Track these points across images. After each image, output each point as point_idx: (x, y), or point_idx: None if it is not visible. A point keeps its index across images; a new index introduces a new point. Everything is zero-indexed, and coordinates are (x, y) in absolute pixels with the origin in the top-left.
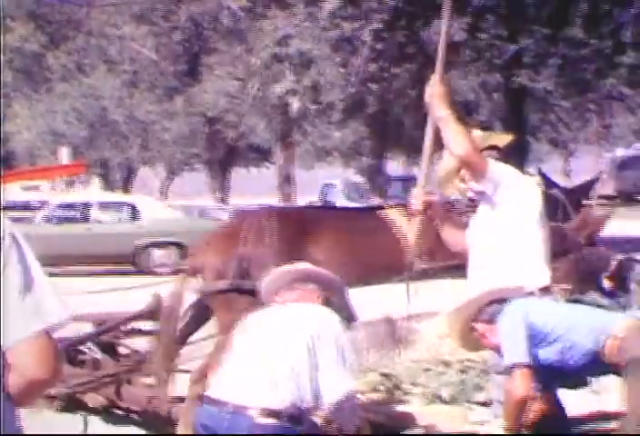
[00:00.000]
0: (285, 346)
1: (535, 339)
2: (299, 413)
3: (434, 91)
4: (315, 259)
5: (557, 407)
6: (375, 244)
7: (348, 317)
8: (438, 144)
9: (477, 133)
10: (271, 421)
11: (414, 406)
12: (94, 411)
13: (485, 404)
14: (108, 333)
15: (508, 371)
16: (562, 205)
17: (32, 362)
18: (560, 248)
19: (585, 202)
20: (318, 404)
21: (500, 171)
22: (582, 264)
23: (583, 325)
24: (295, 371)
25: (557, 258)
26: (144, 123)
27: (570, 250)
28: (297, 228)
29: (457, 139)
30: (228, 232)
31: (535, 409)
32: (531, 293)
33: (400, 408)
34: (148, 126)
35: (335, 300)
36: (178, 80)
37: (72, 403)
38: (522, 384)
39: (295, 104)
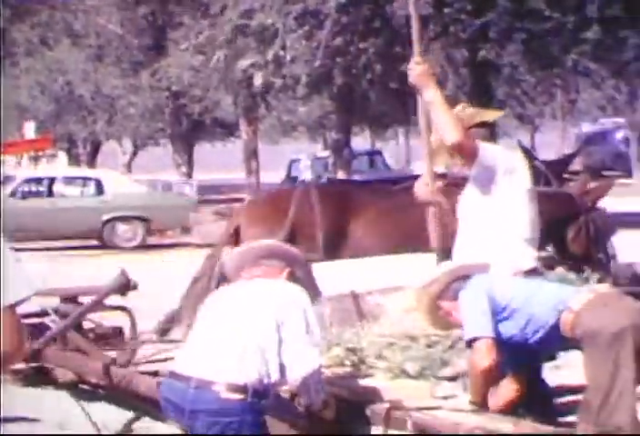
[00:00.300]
0: (251, 321)
1: (496, 313)
2: (264, 388)
3: (416, 71)
4: (355, 233)
5: (535, 389)
6: (409, 217)
7: (312, 293)
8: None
9: (468, 109)
10: (236, 396)
11: (379, 380)
12: (63, 386)
13: (452, 379)
14: (83, 316)
15: (470, 344)
16: (544, 177)
17: None
18: (570, 211)
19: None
20: (284, 379)
21: (491, 155)
22: (592, 227)
23: (541, 298)
24: (262, 346)
25: (569, 221)
26: (109, 97)
27: (580, 213)
28: (339, 204)
29: (448, 126)
30: (275, 204)
31: (507, 389)
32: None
33: (365, 382)
34: (114, 101)
35: (299, 275)
36: (143, 54)
37: (41, 378)
38: (485, 356)
39: (258, 79)
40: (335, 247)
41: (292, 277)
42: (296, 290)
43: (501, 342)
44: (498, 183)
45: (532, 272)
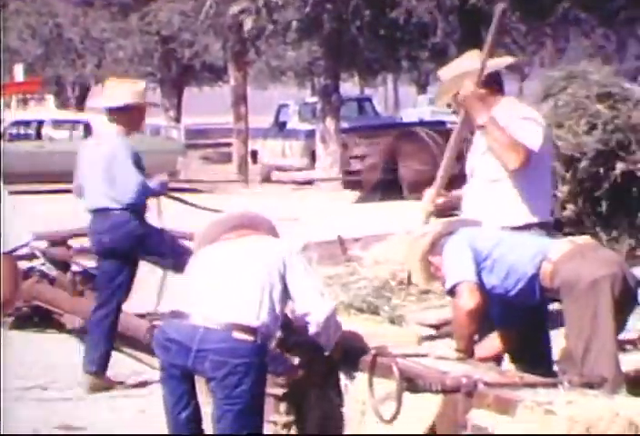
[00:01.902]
0: (252, 267)
1: (477, 263)
2: (271, 332)
3: (471, 93)
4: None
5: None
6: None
7: None
8: None
9: (492, 61)
10: (247, 337)
11: (365, 327)
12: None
13: (436, 327)
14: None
15: (453, 290)
16: None
17: None
18: None
19: None
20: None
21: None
22: None
23: (521, 249)
24: (267, 290)
25: None
26: (98, 41)
27: None
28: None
29: (508, 152)
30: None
31: (494, 342)
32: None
33: (350, 328)
34: (103, 44)
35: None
36: None
37: (49, 324)
38: (468, 298)
39: (248, 23)
40: None
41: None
42: (290, 242)
43: (485, 293)
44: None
45: (526, 229)
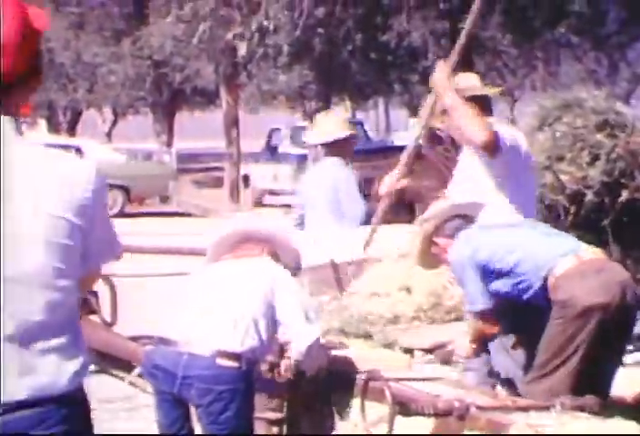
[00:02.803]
0: (242, 293)
1: (486, 274)
2: (256, 358)
3: (439, 75)
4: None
5: None
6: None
7: (294, 266)
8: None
9: (470, 80)
10: (231, 363)
11: (358, 351)
12: None
13: (428, 351)
14: None
15: (472, 314)
16: None
17: None
18: None
19: None
20: (270, 349)
21: (505, 143)
22: None
23: (529, 262)
24: (254, 317)
25: None
26: (90, 65)
27: None
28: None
29: (475, 128)
30: None
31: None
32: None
33: (344, 352)
34: (95, 69)
35: (280, 251)
36: (126, 22)
37: None
38: (488, 325)
39: (242, 48)
40: None
41: (272, 255)
42: (280, 268)
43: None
44: (503, 160)
45: None
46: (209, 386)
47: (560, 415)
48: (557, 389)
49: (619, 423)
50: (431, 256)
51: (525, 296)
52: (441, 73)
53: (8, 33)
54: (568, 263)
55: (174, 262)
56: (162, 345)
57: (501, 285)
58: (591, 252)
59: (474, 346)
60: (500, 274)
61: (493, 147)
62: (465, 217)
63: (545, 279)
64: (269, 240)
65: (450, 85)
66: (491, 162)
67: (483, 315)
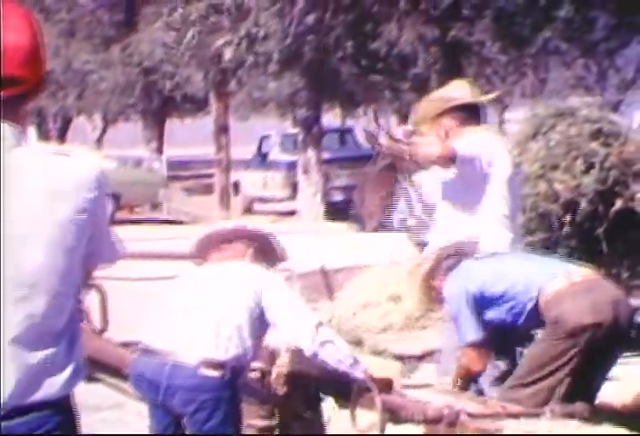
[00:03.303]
0: (225, 300)
1: (480, 304)
2: (241, 366)
3: (390, 144)
4: None
5: None
6: None
7: (280, 260)
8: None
9: (465, 88)
10: (214, 372)
11: None
12: None
13: (419, 358)
14: None
15: (462, 350)
16: None
17: None
18: None
19: None
20: (256, 357)
21: (470, 155)
22: None
23: (521, 282)
24: (238, 325)
25: None
26: (80, 72)
27: None
28: None
29: (426, 150)
30: None
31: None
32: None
33: None
34: (84, 76)
35: (265, 250)
36: (115, 29)
37: None
38: (478, 362)
39: (228, 53)
40: None
41: (257, 254)
42: (262, 270)
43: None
44: (478, 174)
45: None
46: (192, 395)
47: (550, 422)
48: (535, 398)
49: (609, 430)
50: (431, 298)
51: (520, 321)
52: (389, 141)
53: (30, 41)
54: (559, 284)
55: (164, 266)
56: (145, 354)
57: (496, 313)
58: (582, 272)
59: (458, 383)
60: (493, 302)
61: (445, 160)
62: (458, 255)
63: (537, 300)
64: (254, 239)
65: (399, 148)
66: (465, 178)
67: (472, 347)
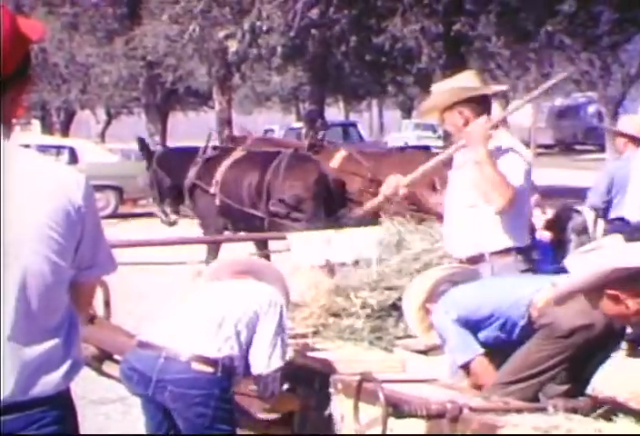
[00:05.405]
0: (231, 305)
1: (470, 327)
2: (234, 367)
3: (480, 131)
4: None
5: None
6: None
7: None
8: None
9: (474, 81)
10: (206, 368)
11: (352, 352)
12: None
13: (422, 353)
14: None
15: (466, 368)
16: None
17: None
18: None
19: None
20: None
21: (521, 181)
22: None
23: (508, 299)
24: (237, 329)
25: None
26: (83, 66)
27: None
28: None
29: (496, 189)
30: None
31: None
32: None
33: (337, 354)
34: (88, 69)
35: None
36: (119, 23)
37: None
38: (485, 374)
39: (233, 46)
40: None
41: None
42: (275, 292)
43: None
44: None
45: (500, 254)
46: (183, 390)
47: (553, 416)
48: (524, 393)
49: (612, 425)
50: (426, 322)
51: (514, 336)
52: (481, 127)
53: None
54: (547, 293)
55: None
56: (140, 347)
57: (489, 332)
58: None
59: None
60: (484, 322)
61: (509, 208)
62: (455, 282)
63: (527, 313)
64: (263, 275)
65: (485, 142)
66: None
67: (466, 368)
